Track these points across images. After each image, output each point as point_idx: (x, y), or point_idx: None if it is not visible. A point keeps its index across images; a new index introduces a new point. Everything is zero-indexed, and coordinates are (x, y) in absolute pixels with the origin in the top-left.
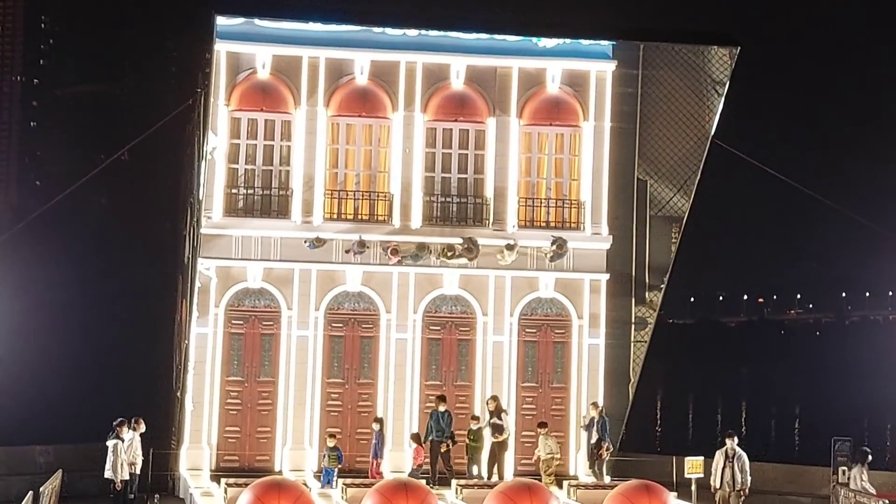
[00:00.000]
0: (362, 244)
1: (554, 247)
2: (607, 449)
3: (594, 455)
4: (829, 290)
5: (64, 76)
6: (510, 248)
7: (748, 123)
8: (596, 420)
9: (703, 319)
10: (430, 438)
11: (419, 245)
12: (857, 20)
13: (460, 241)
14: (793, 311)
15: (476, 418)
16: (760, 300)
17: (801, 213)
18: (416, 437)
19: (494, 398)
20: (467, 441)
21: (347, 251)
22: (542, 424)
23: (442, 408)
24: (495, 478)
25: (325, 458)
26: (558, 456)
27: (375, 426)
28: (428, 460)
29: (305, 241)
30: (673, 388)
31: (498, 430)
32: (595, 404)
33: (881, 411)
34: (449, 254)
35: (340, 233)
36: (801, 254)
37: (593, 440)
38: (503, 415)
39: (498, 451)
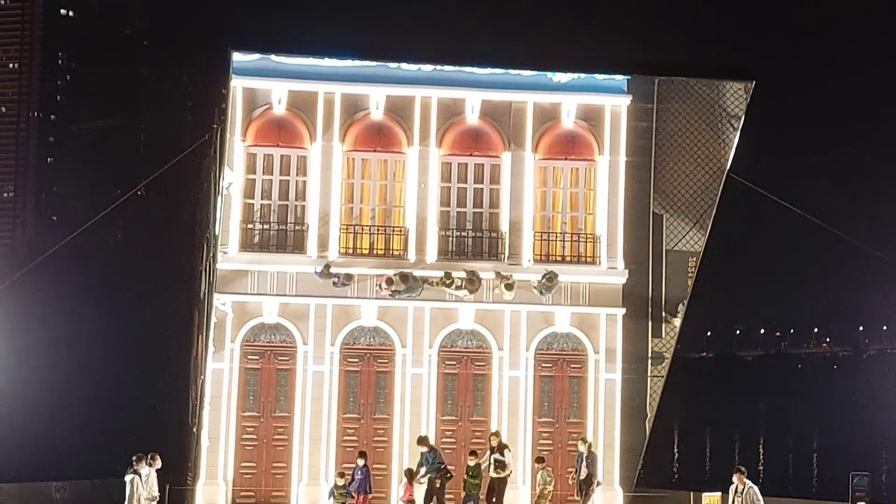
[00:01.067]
0: (348, 277)
1: (544, 279)
2: (598, 484)
3: (584, 490)
4: (846, 323)
5: (80, 112)
6: (509, 287)
7: (764, 156)
8: (585, 455)
9: (720, 353)
10: (427, 476)
11: (401, 275)
12: (878, 53)
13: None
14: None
15: (474, 454)
16: (778, 334)
17: (819, 246)
18: (408, 473)
19: (496, 434)
20: (465, 478)
21: (335, 283)
22: (539, 460)
23: (425, 448)
24: None
25: (333, 495)
26: (550, 487)
27: (360, 461)
28: (412, 499)
29: (315, 271)
30: (690, 422)
31: (501, 466)
32: (584, 439)
33: None
34: (447, 282)
35: (356, 267)
36: (819, 287)
37: (583, 475)
38: (505, 451)
39: (498, 487)
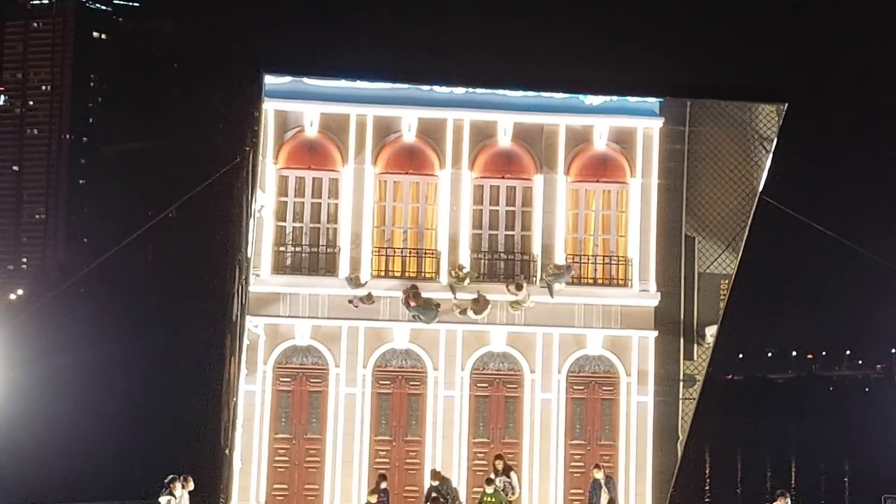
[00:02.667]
0: (369, 297)
1: (512, 287)
2: None
3: None
4: (877, 345)
5: (112, 134)
6: (514, 305)
7: (796, 179)
8: (604, 482)
9: (751, 376)
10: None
11: (414, 292)
12: None
13: (511, 296)
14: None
15: (491, 481)
16: (809, 356)
17: (850, 268)
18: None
19: (500, 457)
20: (489, 500)
21: (350, 301)
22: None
23: (436, 482)
24: None
25: None
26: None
27: (383, 483)
28: None
29: (357, 298)
30: (721, 444)
31: (509, 489)
32: (598, 465)
33: None
34: (456, 275)
35: (388, 290)
36: (850, 309)
37: (604, 502)
38: (512, 473)
39: None
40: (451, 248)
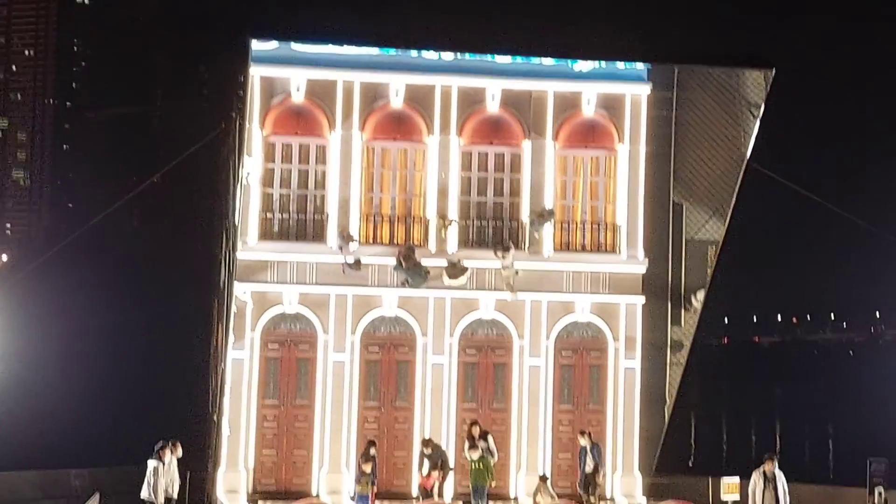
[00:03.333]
0: (357, 264)
1: (500, 251)
2: (603, 476)
3: (589, 482)
4: (862, 309)
5: (96, 99)
6: (453, 270)
7: (784, 145)
8: (589, 448)
9: (736, 339)
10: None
11: (407, 252)
12: None
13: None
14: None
15: (475, 447)
16: (794, 320)
17: (835, 233)
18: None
19: (475, 423)
20: (476, 467)
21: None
22: (543, 478)
23: (428, 450)
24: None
25: (360, 482)
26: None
27: (372, 450)
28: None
29: (346, 262)
30: (707, 408)
31: (487, 455)
32: (583, 432)
33: None
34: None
35: (376, 256)
36: (835, 274)
37: (589, 468)
38: (489, 437)
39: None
40: (440, 215)
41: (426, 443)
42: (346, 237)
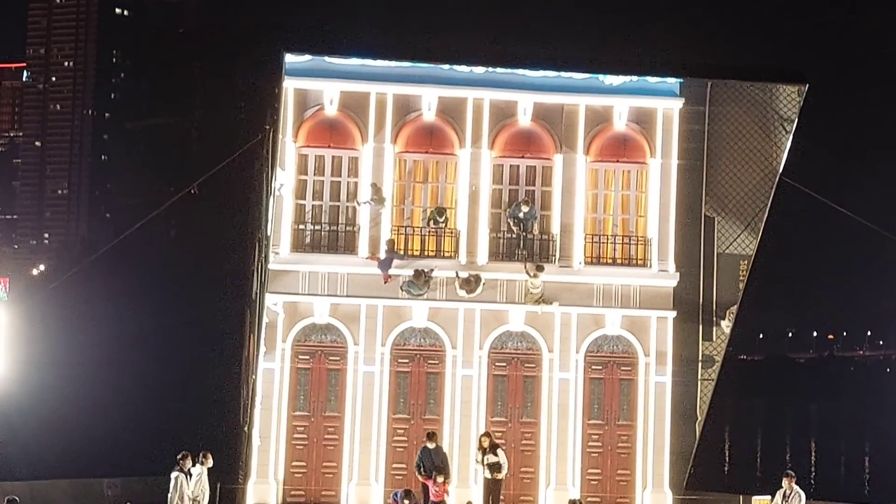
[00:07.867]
0: (378, 192)
1: (532, 268)
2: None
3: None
4: None
5: (134, 110)
6: (468, 286)
7: (816, 159)
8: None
9: (772, 356)
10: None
11: (416, 272)
12: None
13: (528, 277)
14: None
15: (489, 456)
16: (830, 337)
17: (870, 248)
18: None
19: (488, 434)
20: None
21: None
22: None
23: (431, 445)
24: None
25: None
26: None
27: (430, 444)
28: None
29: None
30: (741, 425)
31: (496, 468)
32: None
33: None
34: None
35: (406, 267)
36: (871, 290)
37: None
38: (499, 450)
39: (495, 488)
40: (471, 227)
41: (431, 437)
42: (393, 250)
